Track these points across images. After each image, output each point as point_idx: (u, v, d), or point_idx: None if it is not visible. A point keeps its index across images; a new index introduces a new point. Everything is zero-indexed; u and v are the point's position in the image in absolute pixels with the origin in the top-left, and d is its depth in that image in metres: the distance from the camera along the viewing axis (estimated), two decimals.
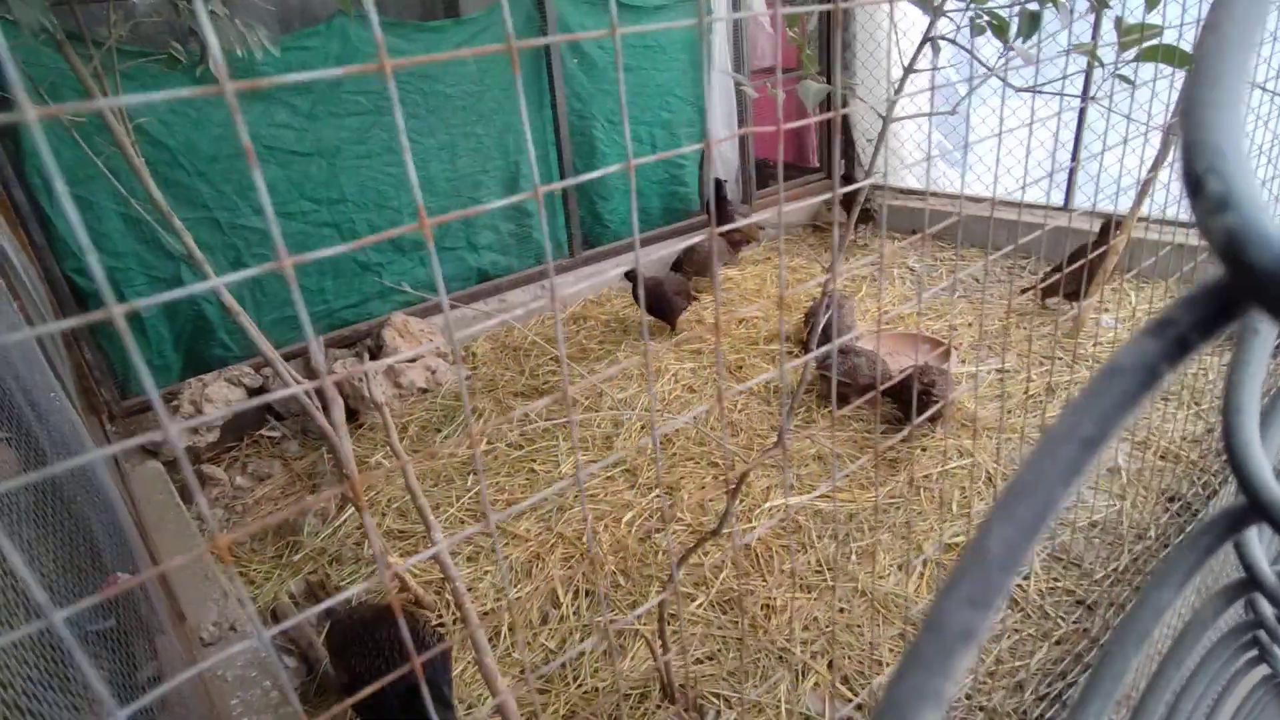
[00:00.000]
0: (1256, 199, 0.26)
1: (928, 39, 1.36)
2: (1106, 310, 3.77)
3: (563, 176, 4.35)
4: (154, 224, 2.59)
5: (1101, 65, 1.55)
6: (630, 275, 4.20)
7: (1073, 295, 3.67)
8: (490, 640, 2.30)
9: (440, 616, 2.40)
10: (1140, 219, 3.28)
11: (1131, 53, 1.56)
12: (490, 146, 4.07)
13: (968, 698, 1.97)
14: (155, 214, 2.07)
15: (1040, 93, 1.55)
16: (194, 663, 2.11)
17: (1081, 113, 4.23)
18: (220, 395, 3.31)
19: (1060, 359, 3.43)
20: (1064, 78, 1.52)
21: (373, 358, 3.62)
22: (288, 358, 3.29)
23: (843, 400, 3.16)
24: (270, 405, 3.53)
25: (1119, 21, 1.56)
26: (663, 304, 3.91)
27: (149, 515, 2.80)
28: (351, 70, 0.50)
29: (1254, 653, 0.77)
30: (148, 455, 3.21)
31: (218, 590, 2.42)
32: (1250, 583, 0.65)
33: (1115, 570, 2.31)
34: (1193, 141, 0.28)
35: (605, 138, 4.43)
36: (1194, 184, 0.27)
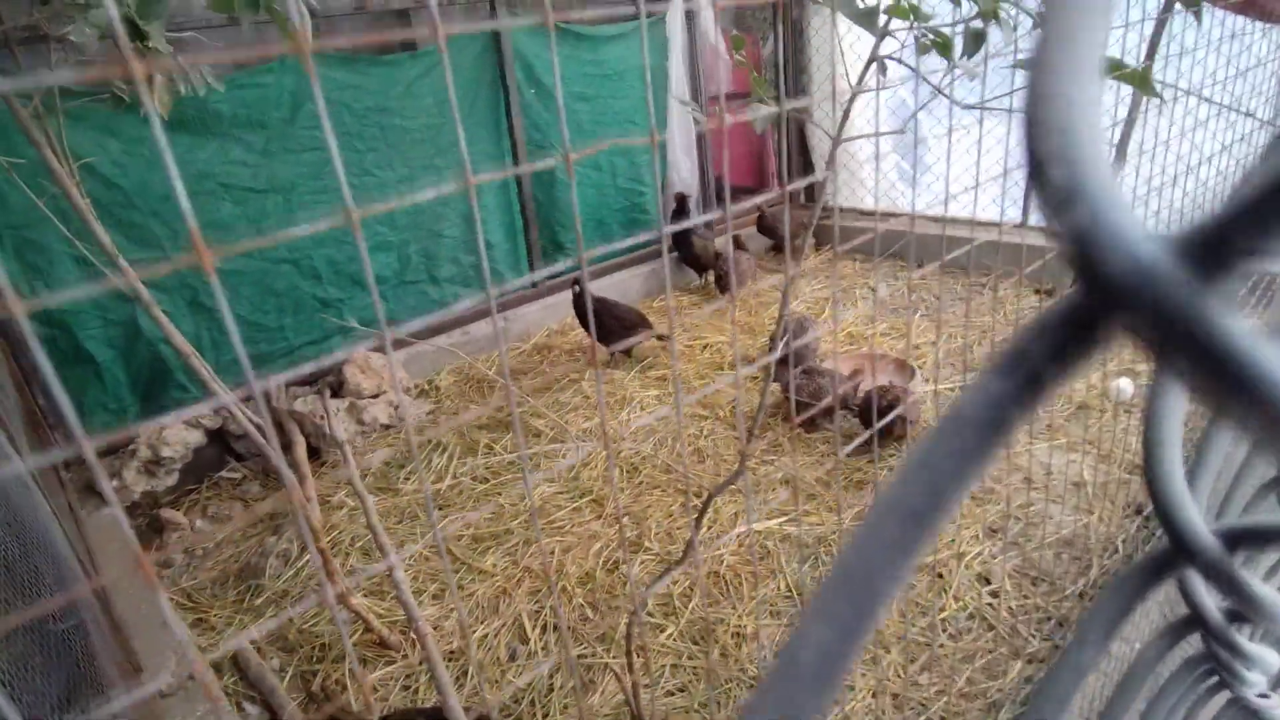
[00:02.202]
0: (1111, 190, 0.20)
1: (874, 59, 1.38)
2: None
3: (523, 207, 4.34)
4: (100, 266, 2.53)
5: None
6: (577, 283, 4.15)
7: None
8: (457, 680, 2.25)
9: (406, 656, 2.35)
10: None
11: None
12: (449, 176, 4.06)
13: (942, 719, 1.96)
14: (102, 256, 2.04)
15: (986, 109, 1.57)
16: (151, 715, 2.04)
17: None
18: (178, 437, 3.24)
19: None
20: (1011, 92, 1.54)
21: (334, 395, 3.57)
22: (244, 398, 3.23)
23: (810, 421, 3.18)
24: (230, 447, 3.46)
25: None
26: (614, 325, 3.84)
27: (107, 566, 2.71)
28: (267, 52, 0.49)
29: (1215, 680, 0.75)
30: (104, 502, 3.12)
31: (175, 638, 2.35)
32: (1195, 620, 0.61)
33: (1086, 585, 2.31)
34: (1035, 119, 0.22)
35: (563, 167, 4.43)
36: (1036, 172, 0.21)
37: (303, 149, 3.54)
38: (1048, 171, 0.21)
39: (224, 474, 3.41)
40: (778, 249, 5.59)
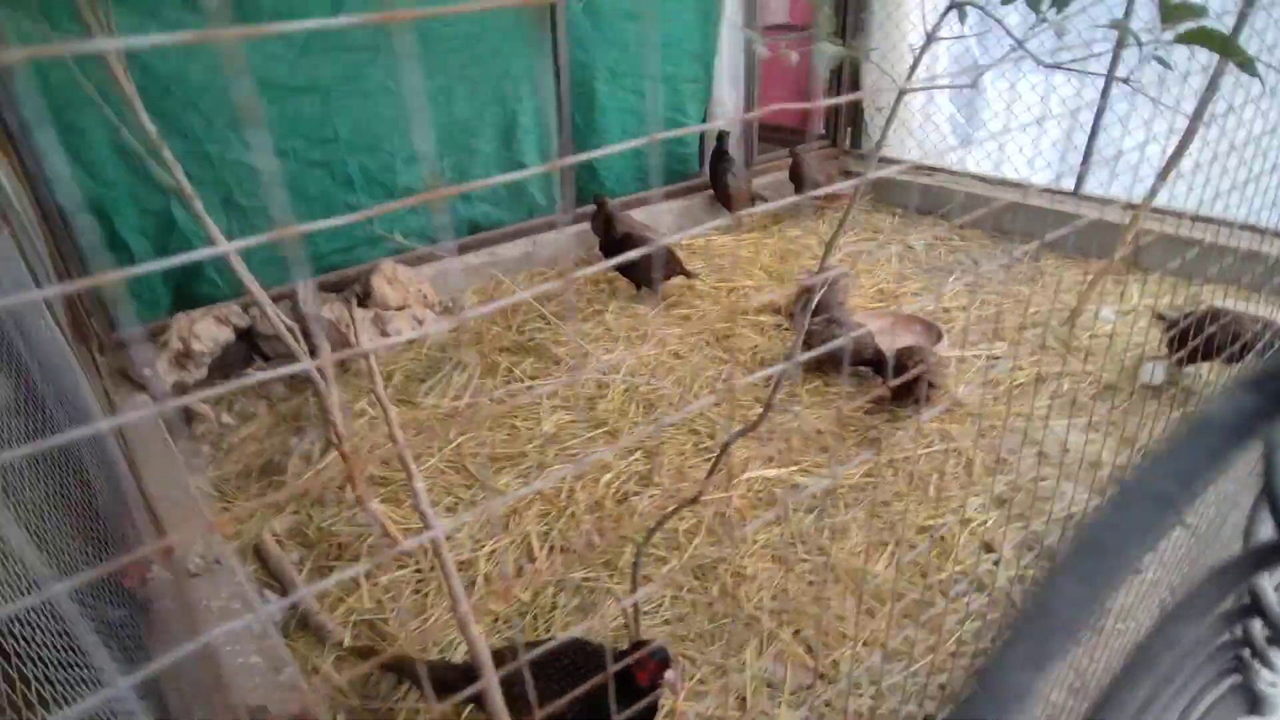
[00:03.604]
0: None
1: (954, 4, 1.32)
2: (1106, 302, 3.74)
3: (561, 130, 4.27)
4: (144, 155, 2.54)
5: (1139, 44, 1.42)
6: (598, 200, 4.12)
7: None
8: (465, 589, 2.34)
9: (418, 564, 2.43)
10: (1154, 209, 3.20)
11: (1170, 34, 1.43)
12: (487, 92, 3.99)
13: (928, 675, 2.02)
14: (145, 144, 2.04)
15: (1069, 70, 1.44)
16: (181, 593, 2.15)
17: (1105, 93, 4.09)
18: (208, 333, 3.30)
19: (1053, 349, 3.43)
20: (1092, 55, 1.45)
21: (360, 304, 3.60)
22: (275, 299, 3.26)
23: (825, 372, 3.18)
24: (257, 346, 3.52)
25: (1163, 2, 1.44)
26: (634, 264, 3.81)
27: (137, 448, 2.81)
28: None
29: (1229, 666, 0.78)
30: (136, 389, 3.21)
31: (204, 523, 2.45)
32: (1251, 609, 0.65)
33: None
34: None
35: (607, 90, 4.34)
36: None
37: (342, 48, 3.49)
38: None
39: (250, 372, 3.48)
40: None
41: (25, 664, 1.03)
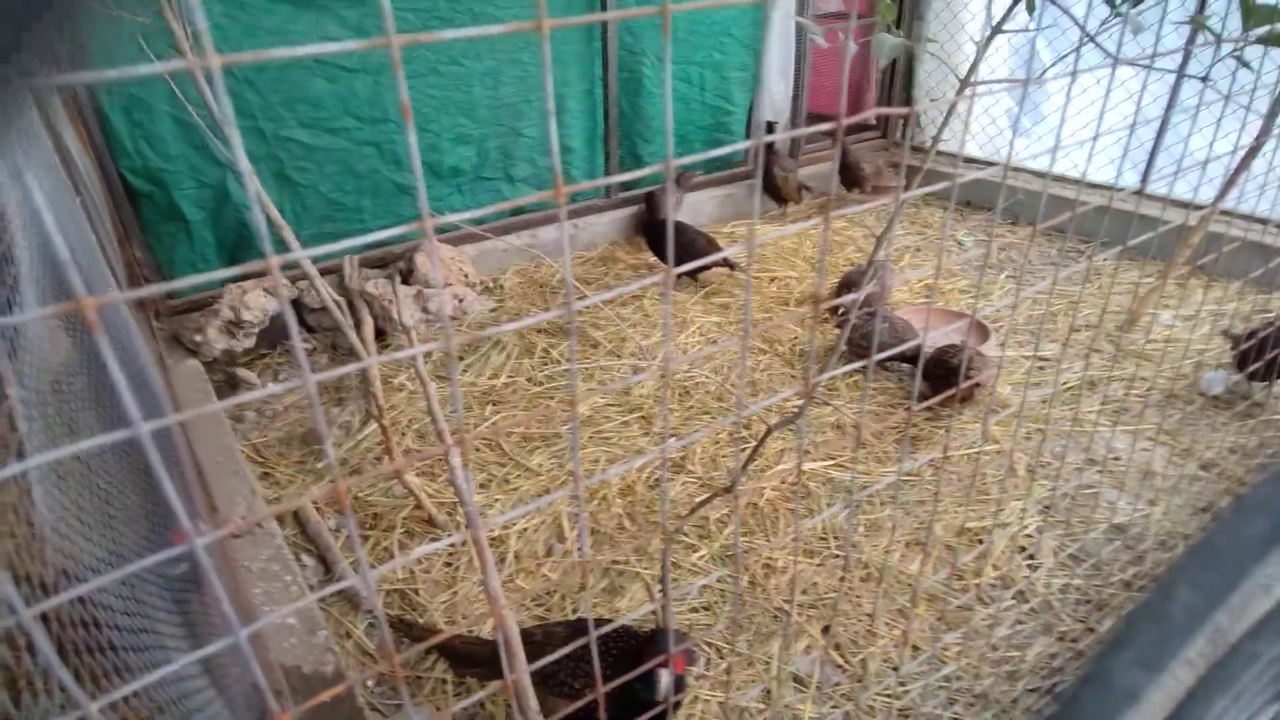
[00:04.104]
0: None
1: None
2: (1167, 306, 3.61)
3: (607, 114, 4.27)
4: (204, 129, 2.62)
5: (1218, 41, 1.39)
6: (650, 198, 4.08)
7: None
8: (495, 566, 2.38)
9: (450, 536, 2.48)
10: (1222, 213, 3.08)
11: (1254, 33, 1.44)
12: (535, 75, 4.01)
13: (958, 678, 1.99)
14: (208, 119, 2.10)
15: (1146, 67, 1.39)
16: (224, 553, 2.22)
17: (1175, 91, 3.97)
18: (257, 303, 3.38)
19: (1104, 353, 3.34)
20: (1164, 54, 1.41)
21: (404, 281, 3.66)
22: (322, 273, 3.33)
23: (863, 364, 3.15)
24: (303, 319, 3.60)
25: (1246, 2, 1.45)
26: (679, 249, 3.80)
27: (187, 410, 2.90)
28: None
29: None
30: (188, 354, 3.31)
31: (246, 488, 2.52)
32: None
33: (1134, 575, 2.25)
34: None
35: (653, 75, 4.32)
36: None
37: (394, 30, 3.53)
38: None
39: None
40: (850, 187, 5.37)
41: (110, 631, 1.07)
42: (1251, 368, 2.78)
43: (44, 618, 1.00)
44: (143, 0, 2.22)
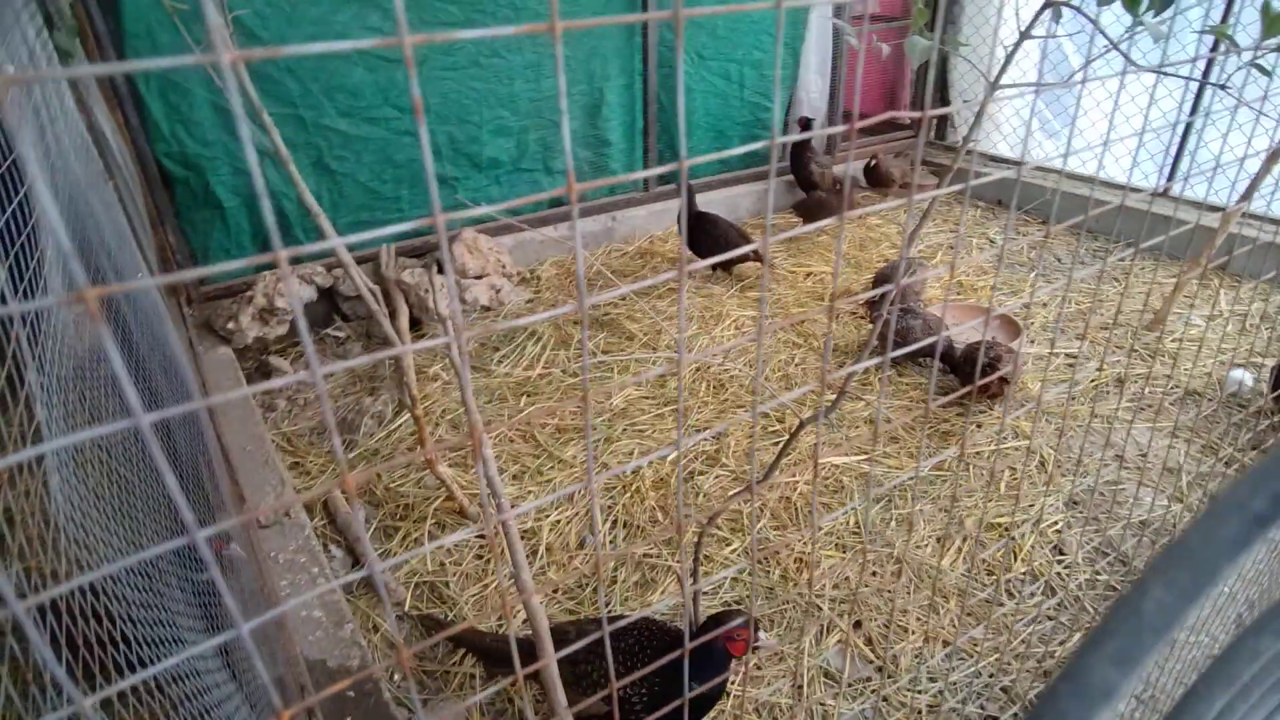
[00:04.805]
0: None
1: (1049, 3, 1.29)
2: (1193, 306, 3.59)
3: (645, 110, 4.27)
4: (245, 118, 2.65)
5: (1237, 51, 1.44)
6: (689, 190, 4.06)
7: None
8: (526, 558, 2.37)
9: (482, 527, 2.48)
10: (1245, 214, 3.08)
11: (1274, 42, 1.47)
12: (576, 69, 4.01)
13: (987, 673, 1.97)
14: (246, 106, 2.11)
15: (1165, 74, 1.43)
16: (251, 543, 2.23)
17: (1199, 97, 3.95)
18: (293, 289, 3.40)
19: (1137, 351, 3.30)
20: (1191, 61, 1.43)
21: (440, 271, 3.67)
22: (358, 261, 3.35)
23: (896, 362, 3.12)
24: (338, 307, 3.63)
25: (1266, 9, 1.47)
26: (711, 242, 3.78)
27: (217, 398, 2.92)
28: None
29: None
30: (220, 341, 3.34)
31: (276, 477, 2.53)
32: None
33: None
34: None
35: (693, 73, 4.32)
36: None
37: (437, 22, 3.54)
38: None
39: (329, 331, 3.58)
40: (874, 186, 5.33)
41: (125, 625, 1.06)
42: (1277, 393, 2.76)
43: (53, 611, 0.99)
44: None
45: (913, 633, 2.09)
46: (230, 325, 3.33)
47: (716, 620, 1.56)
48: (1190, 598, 0.25)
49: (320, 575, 2.16)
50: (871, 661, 2.03)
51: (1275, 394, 2.79)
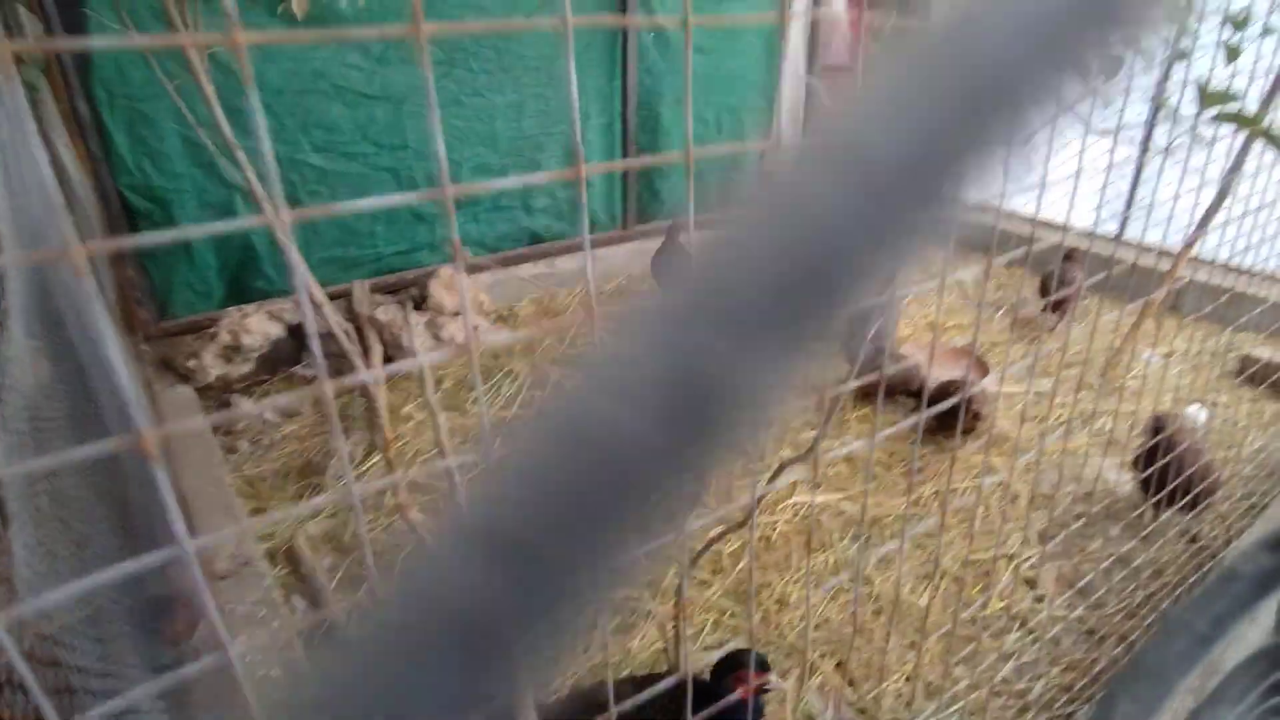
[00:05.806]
0: None
1: None
2: (1152, 345, 3.68)
3: (625, 152, 4.31)
4: (214, 150, 2.60)
5: (1175, 119, 1.80)
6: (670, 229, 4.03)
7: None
8: None
9: None
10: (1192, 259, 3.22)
11: (1210, 112, 1.84)
12: (557, 110, 4.05)
13: (970, 713, 1.94)
14: (218, 141, 2.08)
15: (1118, 135, 1.65)
16: (209, 596, 2.11)
17: (1143, 151, 4.22)
18: (259, 328, 3.33)
19: (1096, 388, 3.36)
20: (1128, 128, 1.61)
21: (416, 308, 3.62)
22: (331, 298, 3.30)
23: (872, 400, 3.13)
24: (306, 344, 3.55)
25: (1203, 89, 1.86)
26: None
27: (176, 440, 2.79)
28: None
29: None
30: (179, 379, 3.23)
31: (235, 524, 2.42)
32: None
33: (1129, 606, 2.29)
34: None
35: (671, 115, 4.39)
36: None
37: (417, 61, 3.55)
38: None
39: (298, 369, 3.50)
40: None
41: (72, 673, 1.02)
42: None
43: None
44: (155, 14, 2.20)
45: (895, 673, 2.06)
46: (191, 363, 3.23)
47: (730, 664, 1.52)
48: (1151, 709, 0.30)
49: (280, 630, 2.05)
50: (852, 704, 1.99)
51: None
